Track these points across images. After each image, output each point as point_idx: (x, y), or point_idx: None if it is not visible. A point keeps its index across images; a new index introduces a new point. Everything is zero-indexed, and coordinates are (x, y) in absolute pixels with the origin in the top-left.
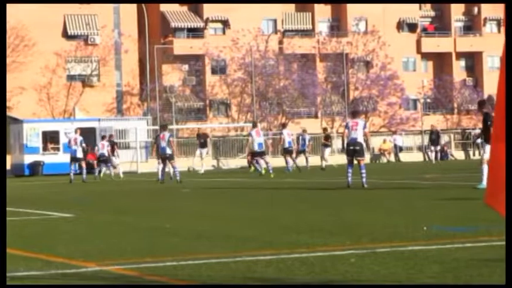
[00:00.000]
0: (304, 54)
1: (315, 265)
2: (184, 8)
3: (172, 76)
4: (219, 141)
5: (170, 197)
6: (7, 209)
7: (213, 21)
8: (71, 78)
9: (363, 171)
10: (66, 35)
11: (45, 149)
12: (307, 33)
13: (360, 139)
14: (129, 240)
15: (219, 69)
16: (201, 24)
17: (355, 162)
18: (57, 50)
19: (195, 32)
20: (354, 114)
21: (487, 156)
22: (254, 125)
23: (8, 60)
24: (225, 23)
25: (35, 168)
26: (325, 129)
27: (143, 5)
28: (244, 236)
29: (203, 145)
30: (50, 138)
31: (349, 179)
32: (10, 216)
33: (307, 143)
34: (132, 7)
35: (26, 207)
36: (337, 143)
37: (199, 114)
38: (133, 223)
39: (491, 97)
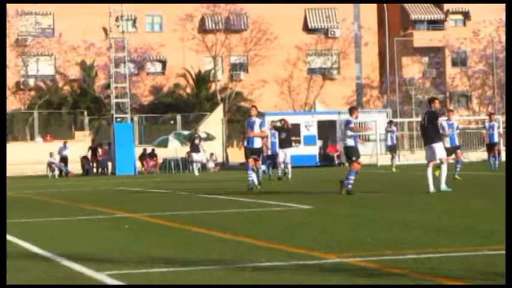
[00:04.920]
0: None
1: None
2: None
3: (412, 68)
4: (460, 134)
5: (408, 191)
6: (253, 201)
7: (453, 13)
8: (311, 71)
9: None
10: (306, 28)
11: None
12: None
13: None
14: (368, 233)
15: (460, 61)
16: (442, 16)
17: None
18: (297, 44)
19: (435, 24)
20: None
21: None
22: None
23: (251, 53)
24: (466, 15)
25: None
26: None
27: None
28: (486, 230)
29: None
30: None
31: None
32: (252, 208)
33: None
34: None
35: (267, 199)
36: None
37: None
38: (372, 215)
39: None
